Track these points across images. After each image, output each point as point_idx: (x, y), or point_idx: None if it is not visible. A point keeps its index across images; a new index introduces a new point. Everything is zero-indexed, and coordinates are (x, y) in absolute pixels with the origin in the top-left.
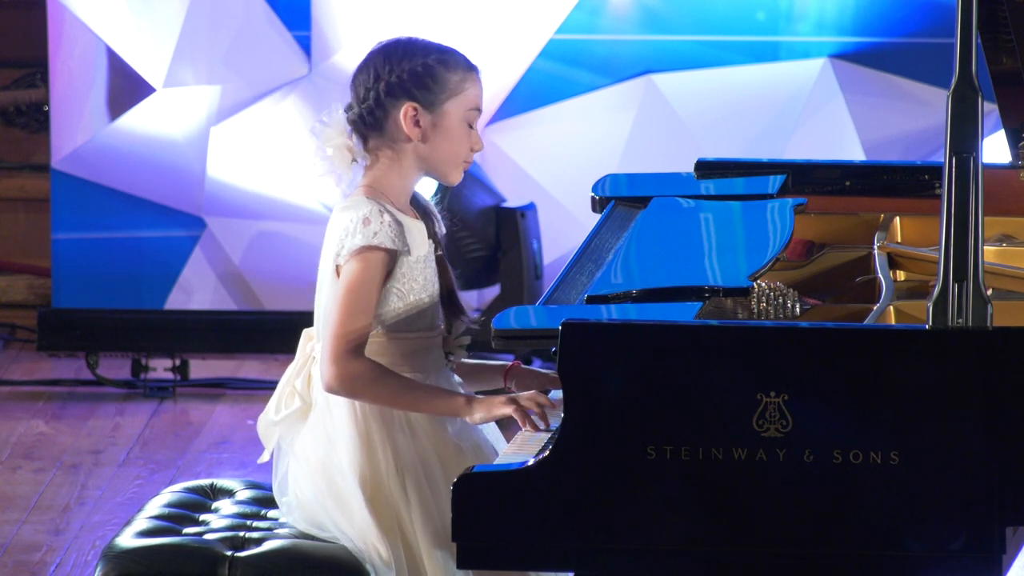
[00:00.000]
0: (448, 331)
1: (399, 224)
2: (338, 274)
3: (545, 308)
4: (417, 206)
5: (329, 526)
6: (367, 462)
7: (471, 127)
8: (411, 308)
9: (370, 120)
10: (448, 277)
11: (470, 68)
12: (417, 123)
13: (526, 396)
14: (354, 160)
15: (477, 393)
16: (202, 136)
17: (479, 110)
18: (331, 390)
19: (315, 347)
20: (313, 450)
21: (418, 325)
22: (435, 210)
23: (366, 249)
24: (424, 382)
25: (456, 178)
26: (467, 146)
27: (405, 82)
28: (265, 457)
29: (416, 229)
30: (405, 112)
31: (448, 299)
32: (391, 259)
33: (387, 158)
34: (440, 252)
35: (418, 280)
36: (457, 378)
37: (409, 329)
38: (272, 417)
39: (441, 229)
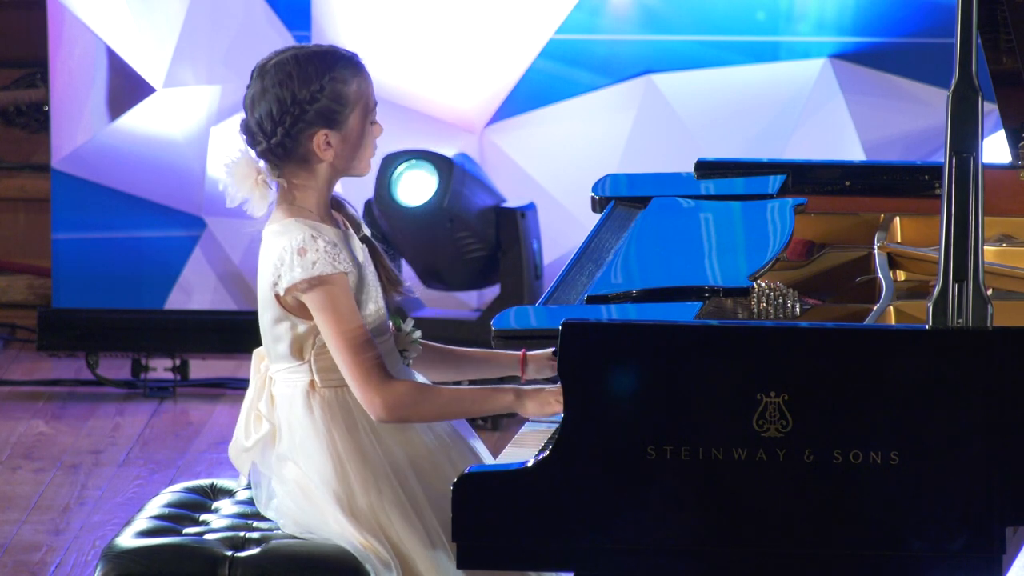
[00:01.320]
0: (398, 328)
1: (335, 246)
2: (279, 303)
3: (545, 308)
4: (337, 208)
5: (323, 533)
6: (337, 477)
7: (373, 123)
8: (369, 317)
9: (280, 152)
10: (385, 264)
11: (357, 70)
12: (329, 144)
13: None
14: (267, 185)
15: (501, 381)
16: (202, 136)
17: (375, 103)
18: (381, 420)
19: (268, 366)
20: (289, 468)
21: (373, 332)
22: (350, 204)
23: (316, 282)
24: None
25: (367, 172)
26: (373, 143)
27: (310, 112)
28: (242, 482)
29: (352, 240)
30: (318, 142)
31: (387, 283)
32: (345, 278)
33: (303, 178)
34: (371, 243)
35: (362, 290)
36: (420, 376)
37: None
38: (243, 443)
39: (365, 228)
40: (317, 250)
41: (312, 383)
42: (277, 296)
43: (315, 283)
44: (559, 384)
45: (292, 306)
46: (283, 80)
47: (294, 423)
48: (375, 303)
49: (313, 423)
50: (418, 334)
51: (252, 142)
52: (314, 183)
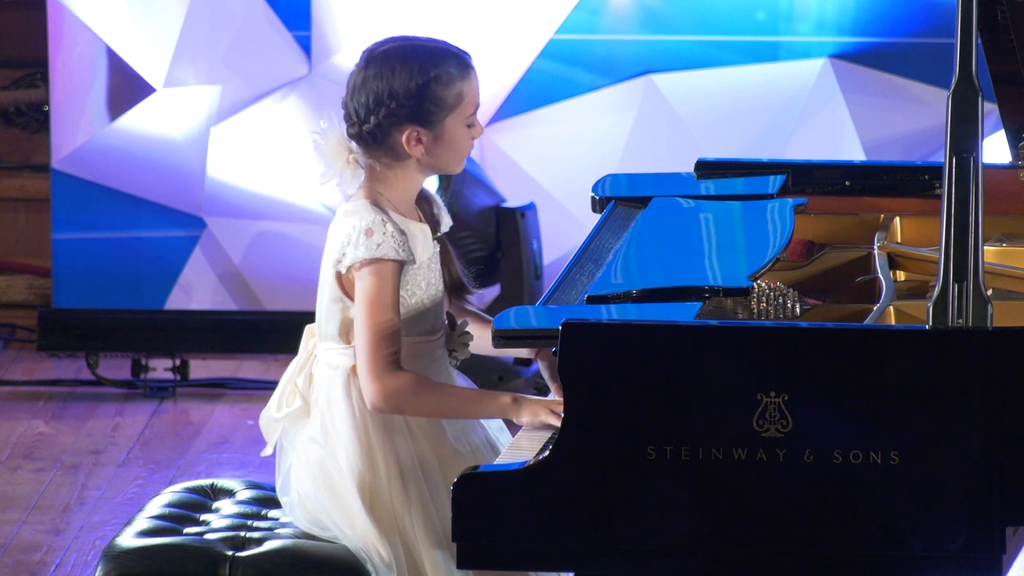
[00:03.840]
0: (451, 327)
1: (402, 233)
2: (339, 281)
3: (545, 308)
4: (421, 203)
5: (330, 525)
6: (366, 466)
7: (471, 126)
8: (411, 312)
9: (370, 139)
10: (454, 267)
11: (465, 72)
12: (419, 141)
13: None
14: (357, 165)
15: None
16: (202, 136)
17: (477, 107)
18: (377, 408)
19: (316, 344)
20: (313, 450)
21: (419, 329)
22: (441, 204)
23: (372, 262)
24: None
25: (459, 169)
26: (469, 144)
27: (404, 107)
28: (267, 451)
29: (420, 232)
30: (408, 137)
31: (454, 288)
32: (400, 267)
33: (389, 167)
34: (445, 244)
35: (420, 285)
36: (461, 378)
37: (409, 333)
38: (274, 414)
39: (448, 222)
40: (384, 233)
41: (354, 368)
42: (338, 275)
43: (372, 263)
44: (556, 396)
45: (350, 287)
46: (385, 71)
47: (332, 405)
48: (432, 299)
49: (350, 408)
50: (470, 337)
51: (348, 123)
52: (401, 173)
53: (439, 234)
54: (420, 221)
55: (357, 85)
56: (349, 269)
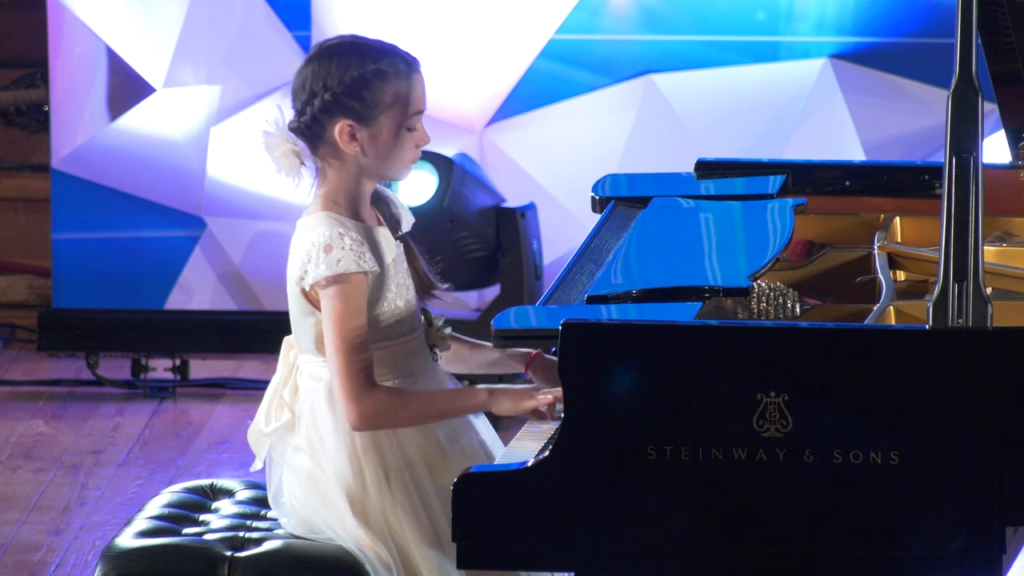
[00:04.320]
0: (429, 323)
1: (362, 244)
2: (305, 296)
3: (545, 308)
4: (379, 205)
5: (325, 530)
6: (353, 472)
7: (412, 129)
8: (387, 316)
9: (309, 133)
10: (419, 264)
11: (406, 72)
12: (354, 137)
13: (545, 397)
14: (303, 164)
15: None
16: (202, 136)
17: (421, 111)
18: (357, 429)
19: (297, 355)
20: (301, 459)
21: (397, 331)
22: (399, 203)
23: (336, 279)
24: (414, 386)
25: (404, 176)
26: (411, 149)
27: (338, 98)
28: (257, 466)
29: (381, 236)
30: (340, 130)
31: (421, 286)
32: (365, 278)
33: (335, 167)
34: (408, 243)
35: (391, 288)
36: (444, 372)
37: (388, 337)
38: (262, 429)
39: (409, 219)
40: (343, 248)
41: None
42: (303, 291)
43: (335, 280)
44: (534, 384)
45: (317, 301)
46: (326, 63)
47: (316, 415)
48: (405, 301)
49: (334, 418)
50: (448, 331)
51: (293, 117)
52: (347, 176)
53: (400, 233)
54: (379, 224)
55: (301, 78)
56: (313, 287)
